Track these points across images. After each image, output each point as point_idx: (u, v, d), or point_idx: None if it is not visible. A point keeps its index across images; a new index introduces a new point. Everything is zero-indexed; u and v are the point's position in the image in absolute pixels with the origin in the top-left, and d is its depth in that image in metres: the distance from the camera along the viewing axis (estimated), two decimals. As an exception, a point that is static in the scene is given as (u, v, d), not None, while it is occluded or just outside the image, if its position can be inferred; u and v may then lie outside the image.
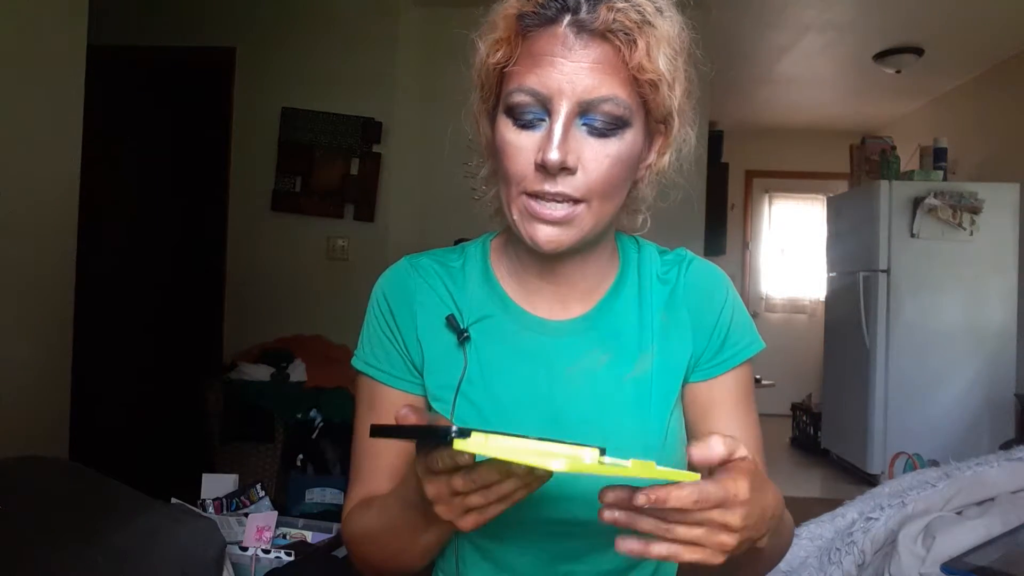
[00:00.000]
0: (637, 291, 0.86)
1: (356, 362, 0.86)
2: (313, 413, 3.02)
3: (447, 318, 0.83)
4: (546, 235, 0.73)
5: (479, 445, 0.50)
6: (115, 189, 3.75)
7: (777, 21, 4.07)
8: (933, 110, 5.40)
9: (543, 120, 0.71)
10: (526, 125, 0.71)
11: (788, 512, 0.77)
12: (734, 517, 0.56)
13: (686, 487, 0.54)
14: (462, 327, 0.83)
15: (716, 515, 0.56)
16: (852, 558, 1.55)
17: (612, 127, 0.71)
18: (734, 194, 6.35)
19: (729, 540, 0.57)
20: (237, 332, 3.64)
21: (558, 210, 0.72)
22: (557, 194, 0.71)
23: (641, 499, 0.53)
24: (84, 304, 2.26)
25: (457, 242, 1.02)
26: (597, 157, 0.71)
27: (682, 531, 0.56)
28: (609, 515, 0.57)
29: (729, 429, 0.82)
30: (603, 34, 0.69)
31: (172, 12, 3.70)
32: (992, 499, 1.54)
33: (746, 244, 6.61)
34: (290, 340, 3.37)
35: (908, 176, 4.18)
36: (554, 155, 0.69)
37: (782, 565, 1.65)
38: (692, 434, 0.86)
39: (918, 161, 4.35)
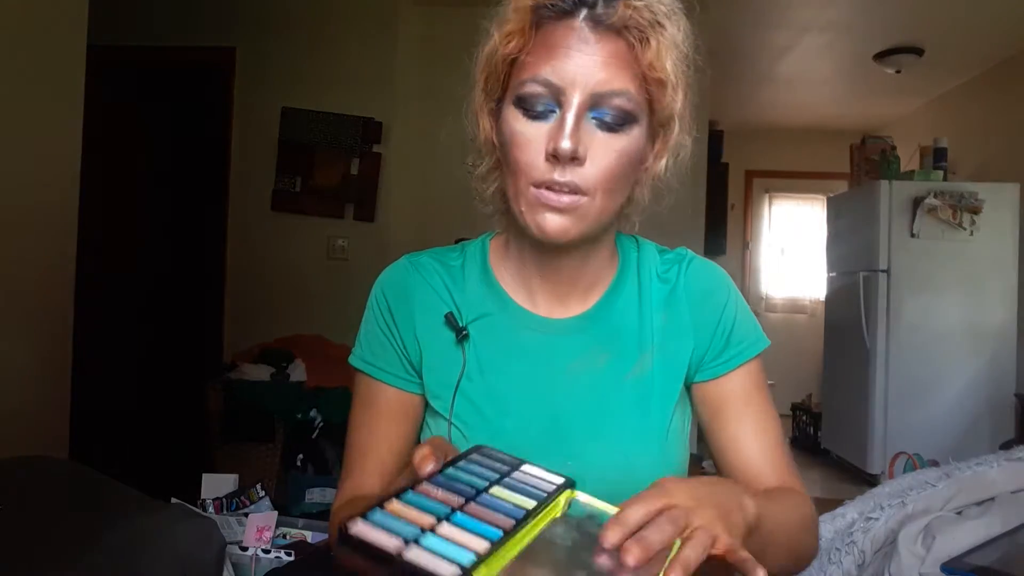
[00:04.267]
0: (637, 290, 0.86)
1: (354, 359, 0.86)
2: (313, 413, 3.02)
3: (446, 316, 0.83)
4: (554, 224, 0.73)
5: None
6: (115, 189, 3.74)
7: (777, 21, 4.06)
8: (933, 110, 5.40)
9: (553, 111, 0.72)
10: (537, 116, 0.72)
11: (788, 504, 0.76)
12: (689, 518, 0.53)
13: (610, 526, 0.51)
14: (461, 325, 0.83)
15: (668, 525, 0.51)
16: (852, 558, 1.55)
17: (621, 122, 0.72)
18: (734, 194, 6.35)
19: (713, 536, 0.53)
20: (237, 332, 3.64)
21: (565, 197, 0.73)
22: (566, 184, 0.72)
23: (607, 544, 0.51)
24: (84, 304, 2.26)
25: (457, 241, 1.02)
26: (605, 150, 0.72)
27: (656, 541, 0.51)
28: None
29: (742, 426, 0.83)
30: (618, 30, 0.71)
31: (172, 12, 3.70)
32: (992, 499, 1.54)
33: (746, 244, 6.60)
34: (290, 340, 3.37)
35: (908, 176, 4.18)
36: (566, 144, 0.70)
37: (782, 565, 1.64)
38: (708, 432, 0.86)
39: (918, 161, 4.35)
